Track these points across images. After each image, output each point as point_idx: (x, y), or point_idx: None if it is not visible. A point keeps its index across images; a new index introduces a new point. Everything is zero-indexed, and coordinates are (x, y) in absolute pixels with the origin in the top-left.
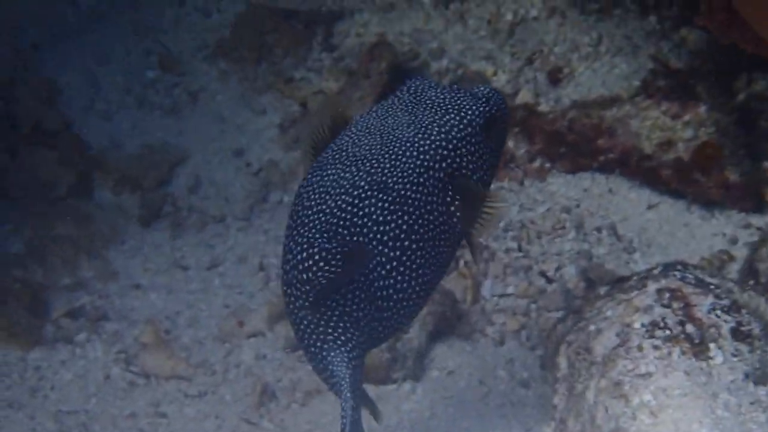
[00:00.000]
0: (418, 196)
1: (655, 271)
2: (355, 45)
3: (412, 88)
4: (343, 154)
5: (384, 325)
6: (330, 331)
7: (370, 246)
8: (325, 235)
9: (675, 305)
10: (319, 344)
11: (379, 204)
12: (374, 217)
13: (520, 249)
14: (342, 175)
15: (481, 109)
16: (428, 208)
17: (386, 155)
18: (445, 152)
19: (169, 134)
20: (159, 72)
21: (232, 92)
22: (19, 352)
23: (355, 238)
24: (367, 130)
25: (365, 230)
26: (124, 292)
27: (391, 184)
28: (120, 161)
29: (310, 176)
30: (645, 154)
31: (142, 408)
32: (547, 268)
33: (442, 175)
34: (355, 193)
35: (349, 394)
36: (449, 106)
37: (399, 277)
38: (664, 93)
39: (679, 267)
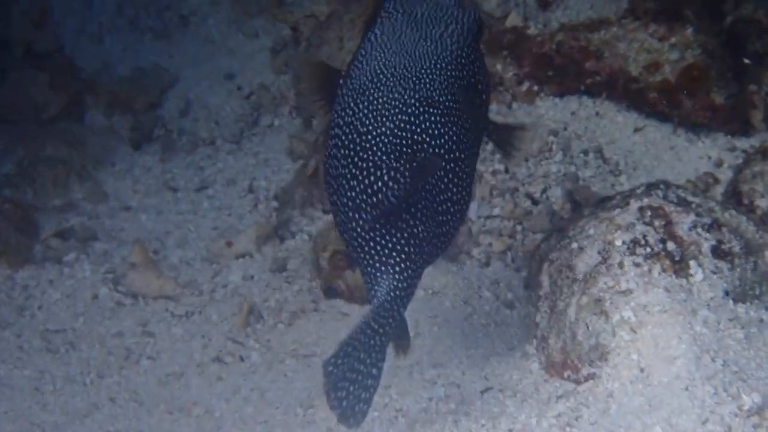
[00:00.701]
0: (457, 105)
1: (638, 191)
2: None
3: (399, 6)
4: (381, 77)
5: (441, 240)
6: (391, 253)
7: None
8: (392, 155)
9: (656, 223)
10: (376, 268)
11: (432, 118)
12: (430, 131)
13: (506, 171)
14: (390, 96)
15: (473, 17)
16: (464, 116)
17: (422, 72)
18: (464, 61)
19: (160, 57)
20: None
21: (224, 15)
22: (7, 271)
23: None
24: (390, 52)
25: (424, 145)
26: (114, 213)
27: (436, 98)
28: (111, 84)
29: (349, 104)
30: (632, 77)
31: (129, 327)
32: (534, 190)
33: (466, 82)
34: (410, 110)
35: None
36: (448, 18)
37: (454, 189)
38: (652, 15)
39: (661, 186)
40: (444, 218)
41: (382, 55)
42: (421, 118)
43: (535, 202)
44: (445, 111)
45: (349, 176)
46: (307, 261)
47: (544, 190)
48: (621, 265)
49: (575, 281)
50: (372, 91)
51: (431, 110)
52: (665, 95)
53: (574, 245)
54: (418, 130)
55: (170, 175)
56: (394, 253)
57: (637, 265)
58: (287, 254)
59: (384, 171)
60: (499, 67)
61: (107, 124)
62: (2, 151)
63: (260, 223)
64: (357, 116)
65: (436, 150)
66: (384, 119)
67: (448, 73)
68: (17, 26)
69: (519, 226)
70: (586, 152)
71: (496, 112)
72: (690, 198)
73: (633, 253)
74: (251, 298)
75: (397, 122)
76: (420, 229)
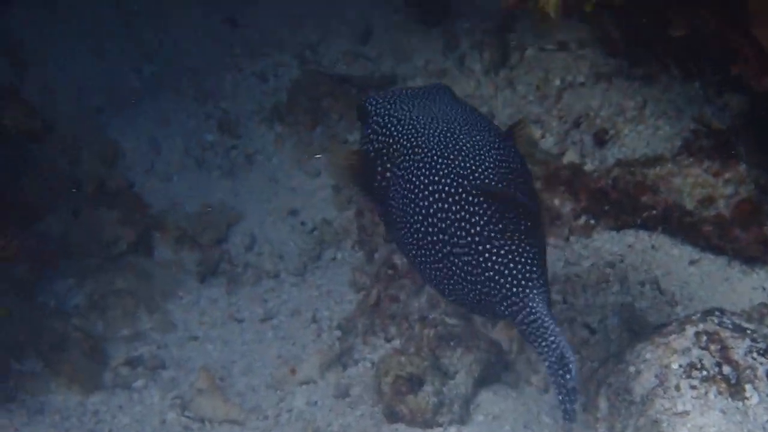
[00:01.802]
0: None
1: (694, 317)
2: None
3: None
4: (456, 133)
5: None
6: (529, 271)
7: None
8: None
9: (712, 347)
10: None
11: (507, 147)
12: (510, 158)
13: (564, 301)
14: (475, 141)
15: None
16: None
17: (474, 121)
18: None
19: (226, 195)
20: (217, 135)
21: (287, 155)
22: (78, 397)
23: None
24: (439, 120)
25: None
26: (181, 343)
27: (497, 133)
28: (179, 220)
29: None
30: (687, 210)
31: None
32: (591, 320)
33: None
34: (494, 145)
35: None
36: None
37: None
38: (706, 152)
39: (716, 313)
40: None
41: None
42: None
43: (592, 332)
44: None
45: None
46: (369, 387)
47: (601, 320)
48: (678, 387)
49: (632, 404)
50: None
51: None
52: (720, 229)
53: (632, 369)
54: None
55: (235, 307)
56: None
57: (693, 387)
58: (350, 381)
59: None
60: (556, 201)
61: (175, 259)
62: (74, 285)
63: (323, 351)
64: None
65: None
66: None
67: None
68: (89, 166)
69: (577, 355)
70: (642, 284)
71: (553, 245)
72: (745, 324)
73: (689, 376)
74: (315, 423)
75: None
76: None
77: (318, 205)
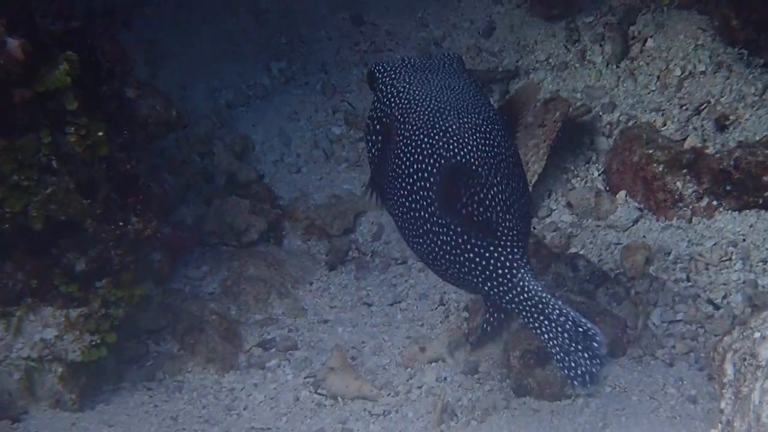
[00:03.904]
0: (497, 117)
1: None
2: None
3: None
4: (448, 113)
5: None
6: (512, 252)
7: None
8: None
9: None
10: (506, 268)
11: (497, 130)
12: (500, 141)
13: (688, 279)
14: (464, 123)
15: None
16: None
17: (471, 101)
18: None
19: (353, 185)
20: (344, 128)
21: None
22: (215, 376)
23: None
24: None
25: (500, 154)
26: (312, 326)
27: (490, 115)
28: (308, 211)
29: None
30: None
31: (329, 425)
32: (715, 296)
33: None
34: (483, 128)
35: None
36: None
37: (523, 184)
38: None
39: None
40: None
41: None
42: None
43: (716, 307)
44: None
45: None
46: (498, 364)
47: (724, 296)
48: None
49: (759, 367)
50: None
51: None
52: None
53: (757, 335)
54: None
55: (365, 292)
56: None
57: None
58: (478, 358)
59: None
60: (678, 184)
61: (304, 248)
62: (208, 273)
63: (452, 329)
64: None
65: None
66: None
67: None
68: (221, 159)
69: (701, 329)
70: (764, 261)
71: (676, 227)
72: None
73: None
74: (445, 397)
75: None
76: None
77: None
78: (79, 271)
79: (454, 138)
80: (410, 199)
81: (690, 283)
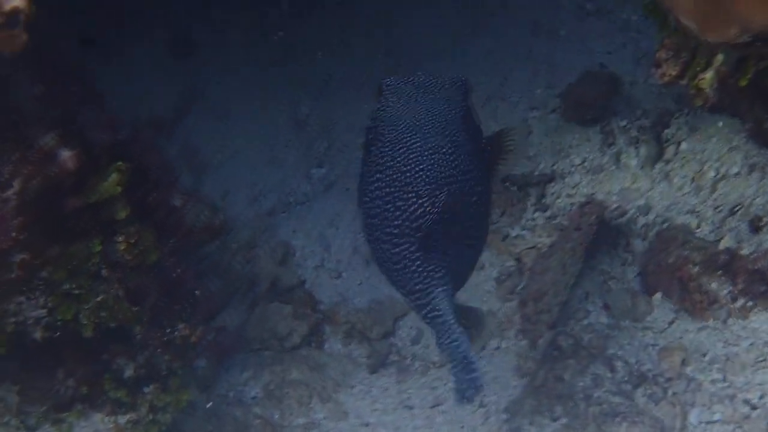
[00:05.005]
0: (472, 148)
1: None
2: (566, 205)
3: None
4: (415, 132)
5: (465, 265)
6: (434, 271)
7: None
8: (430, 186)
9: None
10: (425, 284)
11: (461, 158)
12: (460, 168)
13: (725, 379)
14: (426, 143)
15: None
16: (478, 157)
17: (445, 125)
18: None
19: (392, 290)
20: None
21: None
22: None
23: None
24: (413, 115)
25: (454, 180)
26: (354, 429)
27: (461, 142)
28: (349, 315)
29: (389, 152)
30: None
31: None
32: (751, 396)
33: (473, 131)
34: (443, 151)
35: (455, 323)
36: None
37: (476, 217)
38: None
39: None
40: (468, 243)
41: (410, 121)
42: (452, 157)
43: (753, 407)
44: (468, 153)
45: (396, 206)
46: None
47: (761, 396)
48: None
49: None
50: (408, 141)
51: (458, 152)
52: None
53: None
54: (450, 167)
55: (406, 395)
56: (433, 271)
57: None
58: None
59: (426, 200)
60: (714, 285)
61: (345, 351)
62: (251, 377)
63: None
64: (396, 160)
65: (463, 185)
66: (422, 159)
67: (463, 124)
68: (263, 264)
69: (739, 429)
70: None
71: (712, 328)
72: None
73: None
74: None
75: (433, 161)
76: (448, 250)
77: (482, 297)
78: (128, 377)
79: (414, 157)
80: (371, 205)
81: (727, 384)
